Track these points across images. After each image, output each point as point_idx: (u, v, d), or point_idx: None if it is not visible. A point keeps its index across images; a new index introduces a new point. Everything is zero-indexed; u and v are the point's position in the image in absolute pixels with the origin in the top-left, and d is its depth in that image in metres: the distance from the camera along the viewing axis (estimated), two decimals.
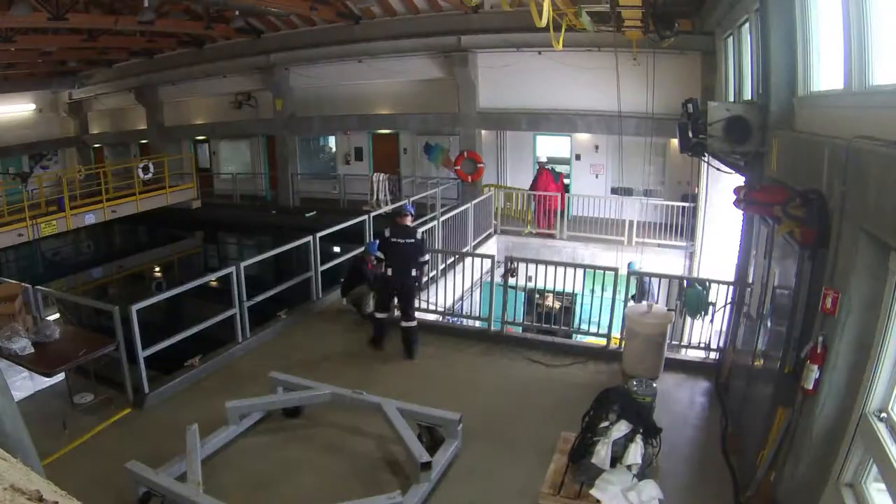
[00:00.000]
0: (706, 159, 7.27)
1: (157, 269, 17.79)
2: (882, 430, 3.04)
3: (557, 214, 12.93)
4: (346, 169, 17.94)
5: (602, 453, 4.65)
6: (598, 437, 4.75)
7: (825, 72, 4.65)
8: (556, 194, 12.91)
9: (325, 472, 5.02)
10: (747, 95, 6.96)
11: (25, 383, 6.56)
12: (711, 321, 7.05)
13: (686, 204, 12.38)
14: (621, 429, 4.74)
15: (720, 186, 9.68)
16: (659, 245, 12.59)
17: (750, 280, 6.29)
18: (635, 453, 4.62)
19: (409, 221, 7.50)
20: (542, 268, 7.89)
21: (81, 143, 23.19)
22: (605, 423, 4.82)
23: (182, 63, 18.51)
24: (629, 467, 4.61)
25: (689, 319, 7.25)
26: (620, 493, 4.47)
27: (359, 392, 5.53)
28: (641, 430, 4.75)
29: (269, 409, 5.75)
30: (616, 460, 4.66)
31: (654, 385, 5.51)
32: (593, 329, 8.24)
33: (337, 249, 8.76)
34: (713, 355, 7.27)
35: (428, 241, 9.12)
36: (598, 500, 4.46)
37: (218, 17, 14.56)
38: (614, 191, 14.45)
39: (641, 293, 8.43)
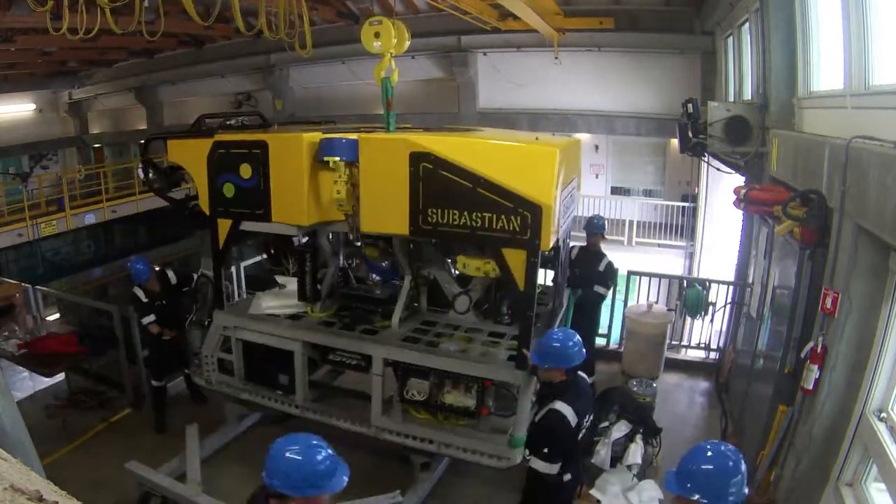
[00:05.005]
0: (706, 159, 7.27)
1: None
2: (882, 430, 3.05)
3: None
4: None
5: (602, 453, 4.66)
6: (598, 436, 4.76)
7: (825, 72, 4.65)
8: None
9: None
10: (747, 95, 6.96)
11: (25, 383, 6.57)
12: (711, 321, 7.05)
13: (686, 204, 12.38)
14: (621, 429, 4.76)
15: (720, 186, 9.68)
16: (659, 245, 12.59)
17: (750, 280, 6.29)
18: (635, 453, 4.65)
19: None
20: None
21: (81, 143, 23.17)
22: (605, 423, 4.84)
23: (182, 63, 18.49)
24: (629, 467, 4.63)
25: (689, 319, 7.25)
26: (620, 492, 4.48)
27: None
28: (641, 430, 4.78)
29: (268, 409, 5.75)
30: (616, 460, 4.68)
31: (654, 385, 5.51)
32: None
33: None
34: (713, 355, 7.27)
35: None
36: (598, 501, 4.47)
37: (218, 16, 14.53)
38: (614, 191, 14.47)
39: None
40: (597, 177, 14.39)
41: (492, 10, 10.89)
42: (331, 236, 5.11)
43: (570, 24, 11.53)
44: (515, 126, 14.81)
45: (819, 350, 3.49)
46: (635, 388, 5.40)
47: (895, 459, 2.86)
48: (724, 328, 7.15)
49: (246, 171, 4.53)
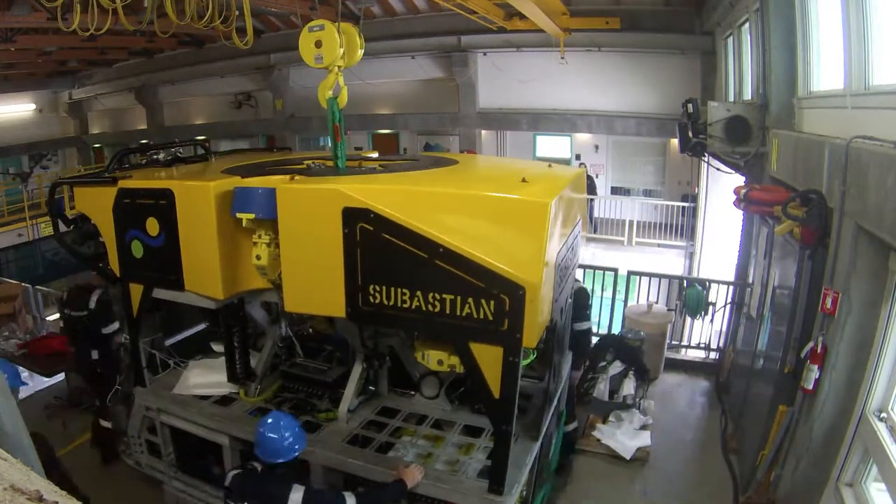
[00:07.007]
0: (706, 159, 7.27)
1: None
2: (882, 430, 3.04)
3: None
4: None
5: (601, 387, 5.83)
6: (597, 374, 5.91)
7: (825, 72, 4.65)
8: None
9: None
10: (747, 95, 6.96)
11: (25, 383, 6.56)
12: (711, 321, 7.05)
13: (686, 204, 12.38)
14: (616, 367, 5.90)
15: (720, 186, 9.68)
16: (659, 245, 12.60)
17: (750, 280, 6.29)
18: (628, 387, 5.82)
19: None
20: None
21: (81, 143, 23.19)
22: (603, 363, 5.97)
23: (182, 63, 18.51)
24: (624, 397, 5.80)
25: (689, 319, 7.26)
26: (617, 433, 5.47)
27: None
28: (633, 369, 5.92)
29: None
30: (612, 393, 5.83)
31: (643, 333, 6.44)
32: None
33: None
34: (713, 355, 7.27)
35: None
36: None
37: (217, 17, 14.53)
38: (614, 191, 14.48)
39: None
40: (597, 177, 14.40)
41: (498, 10, 10.85)
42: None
43: (576, 24, 11.52)
44: (515, 126, 14.86)
45: (819, 350, 3.49)
46: (628, 336, 6.38)
47: (895, 459, 2.86)
48: (724, 328, 7.16)
49: (153, 226, 3.59)
